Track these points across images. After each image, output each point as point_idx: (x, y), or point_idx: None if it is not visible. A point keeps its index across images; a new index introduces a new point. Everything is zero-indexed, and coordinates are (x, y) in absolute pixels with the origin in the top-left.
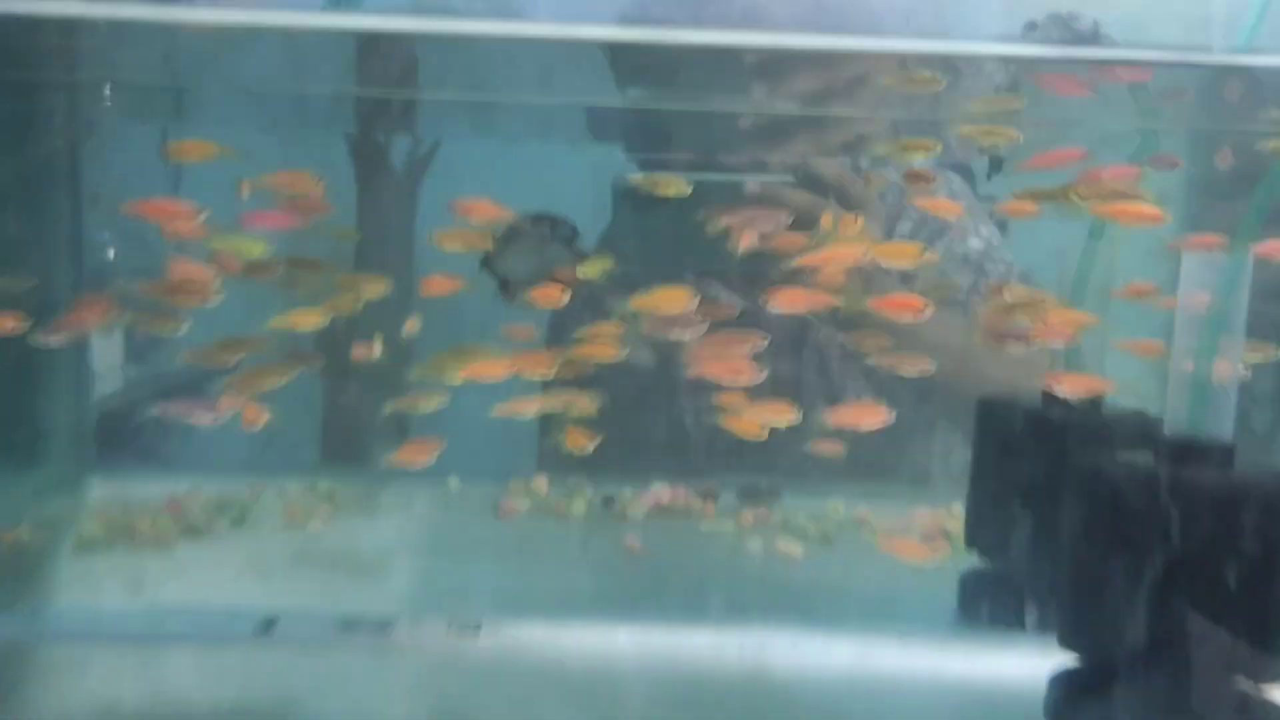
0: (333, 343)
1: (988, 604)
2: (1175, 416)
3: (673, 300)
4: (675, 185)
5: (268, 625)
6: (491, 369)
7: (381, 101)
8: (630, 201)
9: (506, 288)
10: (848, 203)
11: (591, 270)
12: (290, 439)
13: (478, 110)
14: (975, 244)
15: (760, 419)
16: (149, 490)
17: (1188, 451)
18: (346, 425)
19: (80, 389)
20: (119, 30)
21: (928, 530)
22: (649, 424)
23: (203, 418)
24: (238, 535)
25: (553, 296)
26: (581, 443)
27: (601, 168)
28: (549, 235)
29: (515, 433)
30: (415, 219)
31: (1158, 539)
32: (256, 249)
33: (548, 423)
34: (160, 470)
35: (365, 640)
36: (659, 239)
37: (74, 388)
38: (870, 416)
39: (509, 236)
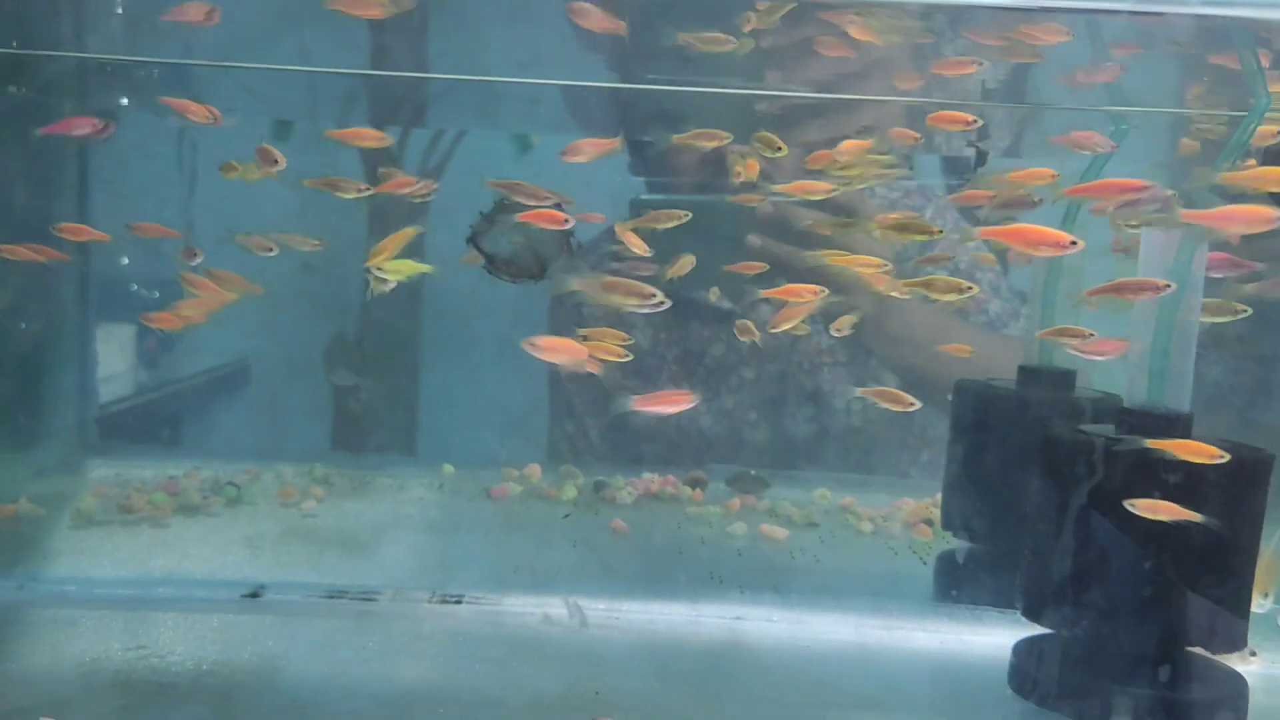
0: (343, 344)
1: (965, 581)
2: (1135, 390)
3: None
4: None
5: (254, 593)
6: None
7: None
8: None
9: (492, 264)
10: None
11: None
12: (297, 427)
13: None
14: (963, 257)
15: None
16: (151, 473)
17: (1146, 423)
18: (354, 416)
19: (84, 377)
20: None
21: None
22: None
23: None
24: (233, 513)
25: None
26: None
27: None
28: None
29: (524, 423)
30: (427, 220)
31: (1119, 510)
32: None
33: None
34: (163, 454)
35: (349, 609)
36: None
37: (78, 376)
38: None
39: (494, 214)
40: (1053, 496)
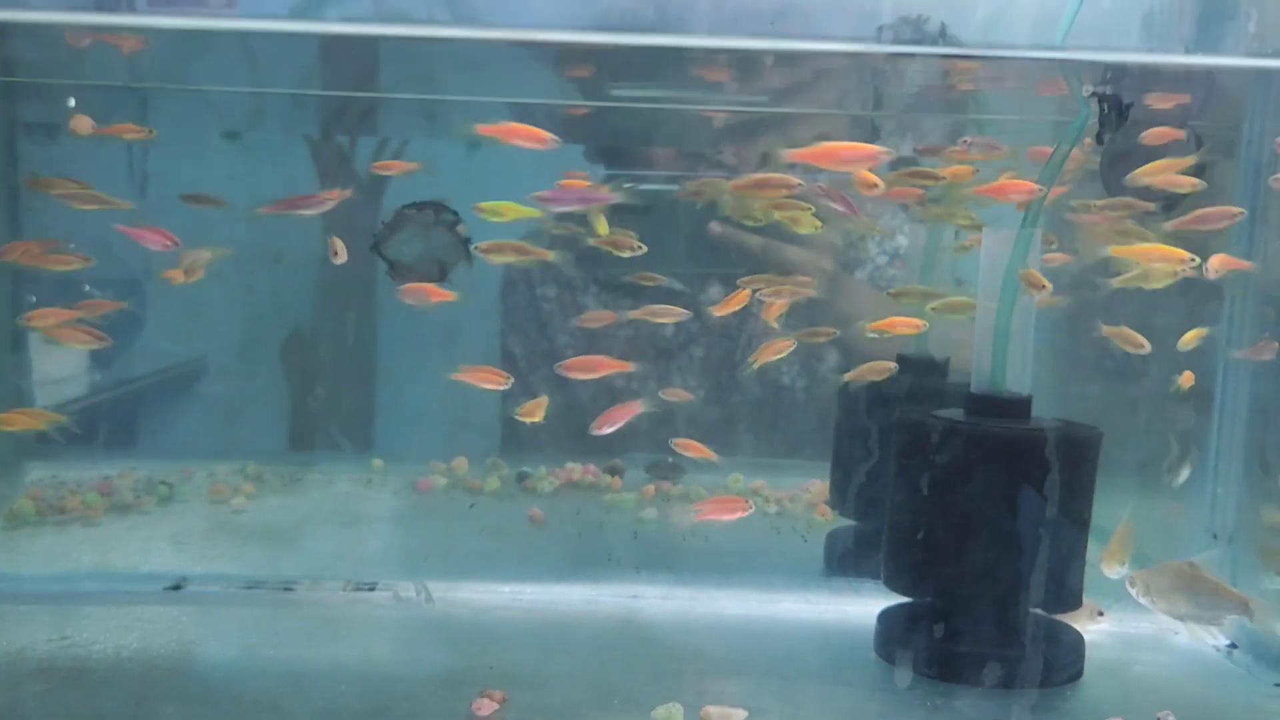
0: (299, 344)
1: (846, 556)
2: (980, 374)
3: None
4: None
5: (176, 586)
6: None
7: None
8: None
9: (395, 269)
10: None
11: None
12: (236, 427)
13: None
14: (901, 240)
15: None
16: (88, 474)
17: (988, 405)
18: (300, 414)
19: (20, 381)
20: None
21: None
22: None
23: None
24: (163, 511)
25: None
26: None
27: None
28: (433, 221)
29: (483, 420)
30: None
31: (961, 486)
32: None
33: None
34: (100, 456)
35: (267, 598)
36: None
37: (14, 380)
38: None
39: (396, 223)
40: (902, 475)
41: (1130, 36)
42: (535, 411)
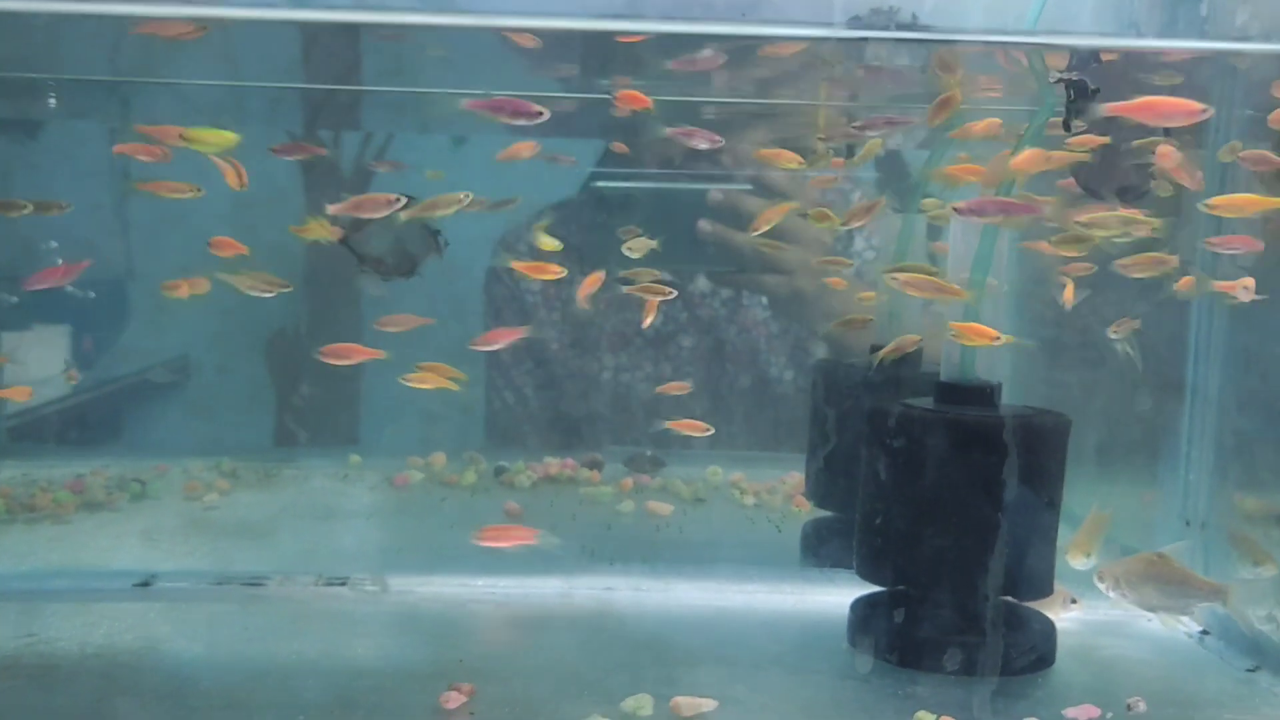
0: (285, 342)
1: (823, 548)
2: (949, 361)
3: None
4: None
5: (145, 582)
6: None
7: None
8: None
9: (365, 263)
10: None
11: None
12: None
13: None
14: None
15: None
16: (60, 472)
17: (957, 393)
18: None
19: None
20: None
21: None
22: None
23: None
24: (135, 508)
25: None
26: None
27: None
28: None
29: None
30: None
31: (929, 474)
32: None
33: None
34: (73, 455)
35: (237, 594)
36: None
37: None
38: None
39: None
40: (873, 464)
41: (1094, 21)
42: (425, 379)
